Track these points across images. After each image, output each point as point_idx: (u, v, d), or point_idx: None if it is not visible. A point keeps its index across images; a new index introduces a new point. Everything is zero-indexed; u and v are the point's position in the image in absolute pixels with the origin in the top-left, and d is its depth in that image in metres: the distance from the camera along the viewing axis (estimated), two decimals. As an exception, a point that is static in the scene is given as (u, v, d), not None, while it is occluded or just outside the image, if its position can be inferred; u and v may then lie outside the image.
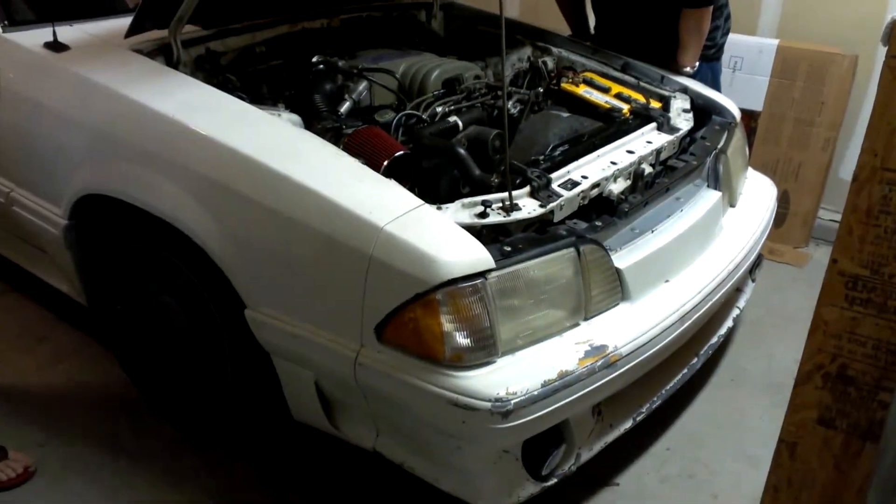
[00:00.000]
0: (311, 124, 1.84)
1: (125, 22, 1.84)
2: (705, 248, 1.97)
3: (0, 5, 2.03)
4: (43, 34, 1.93)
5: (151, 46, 1.91)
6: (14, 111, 1.96)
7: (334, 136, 1.78)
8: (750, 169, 2.47)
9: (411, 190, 1.60)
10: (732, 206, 2.23)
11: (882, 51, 1.02)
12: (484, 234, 1.57)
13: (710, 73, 2.65)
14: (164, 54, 1.91)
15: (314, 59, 2.09)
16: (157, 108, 1.68)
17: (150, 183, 1.68)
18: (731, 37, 2.75)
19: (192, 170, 1.63)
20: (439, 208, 1.56)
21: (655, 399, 1.85)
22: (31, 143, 1.95)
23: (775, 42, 3.03)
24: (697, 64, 2.53)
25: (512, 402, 1.39)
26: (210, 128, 1.63)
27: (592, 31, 2.82)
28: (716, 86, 2.62)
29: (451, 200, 1.60)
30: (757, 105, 3.07)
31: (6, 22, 2.02)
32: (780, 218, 3.06)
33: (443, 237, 1.46)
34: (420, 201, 1.52)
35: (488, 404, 1.38)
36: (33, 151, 1.95)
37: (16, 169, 2.03)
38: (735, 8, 2.71)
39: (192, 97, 1.74)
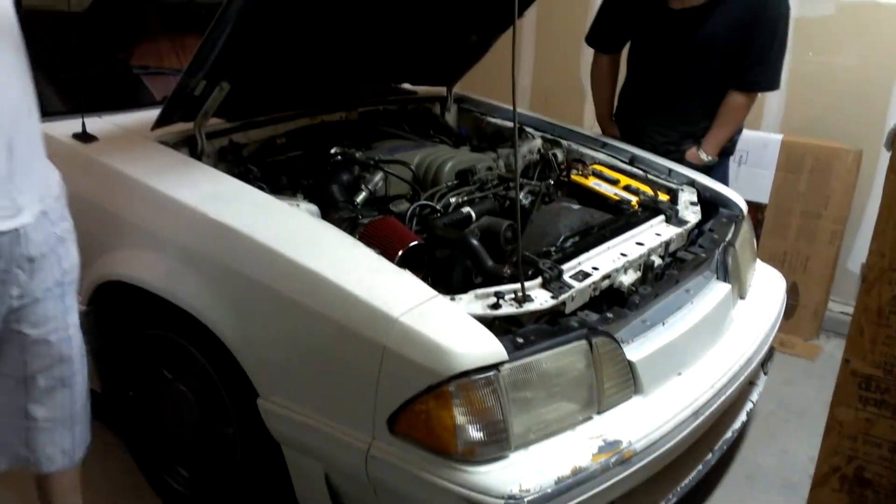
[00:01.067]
0: (328, 214, 1.88)
1: (152, 114, 1.92)
2: (717, 341, 1.97)
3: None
4: (72, 125, 2.01)
5: (177, 138, 1.98)
6: (40, 198, 2.01)
7: (350, 225, 1.82)
8: (758, 261, 2.50)
9: (425, 279, 1.62)
10: (742, 298, 2.24)
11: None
12: (496, 324, 1.58)
13: (724, 167, 2.71)
14: (188, 146, 1.98)
15: (332, 151, 2.16)
16: (180, 198, 1.73)
17: (170, 271, 1.71)
18: (736, 131, 2.82)
19: (210, 259, 1.67)
20: (453, 299, 1.58)
21: (671, 497, 1.81)
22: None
23: (779, 137, 3.10)
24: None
25: (525, 499, 1.37)
26: (230, 217, 1.68)
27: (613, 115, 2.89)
28: (725, 180, 2.67)
29: (465, 290, 1.62)
30: (763, 198, 3.13)
31: (37, 113, 2.10)
32: (790, 310, 3.07)
33: (456, 329, 1.47)
34: (434, 292, 1.54)
35: (501, 501, 1.36)
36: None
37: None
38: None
39: (214, 188, 1.79)
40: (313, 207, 1.89)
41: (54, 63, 2.28)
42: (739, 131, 2.73)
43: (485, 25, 2.54)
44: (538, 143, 2.65)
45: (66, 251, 1.52)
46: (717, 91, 2.55)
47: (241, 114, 2.14)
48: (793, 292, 3.07)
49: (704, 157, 2.57)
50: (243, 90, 1.98)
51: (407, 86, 2.84)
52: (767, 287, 2.37)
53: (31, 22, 1.87)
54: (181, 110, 1.91)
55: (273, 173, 2.08)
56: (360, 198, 2.03)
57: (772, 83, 2.53)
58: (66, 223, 1.53)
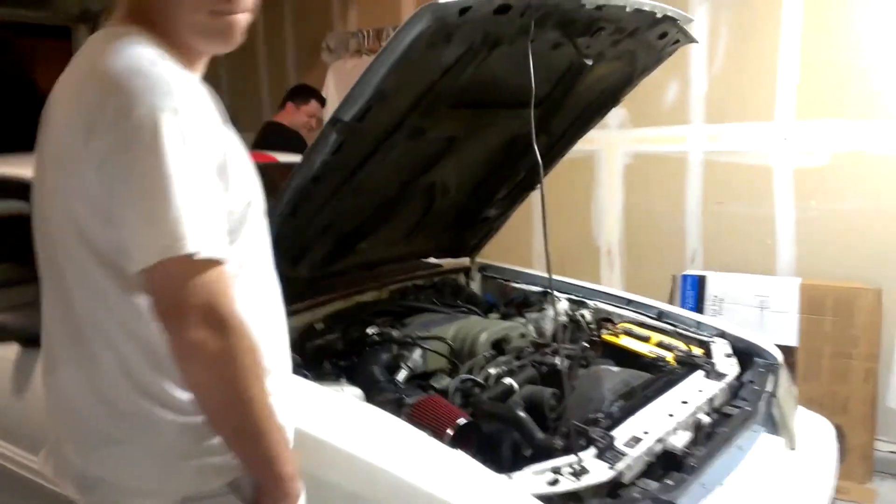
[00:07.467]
0: (371, 395, 1.89)
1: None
2: (777, 499, 1.92)
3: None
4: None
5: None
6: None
7: (396, 406, 1.82)
8: (800, 407, 2.46)
9: (474, 457, 1.60)
10: (792, 449, 2.20)
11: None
12: (555, 501, 1.55)
13: None
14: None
15: (369, 331, 2.20)
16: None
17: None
18: (754, 277, 2.89)
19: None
20: (510, 478, 1.56)
21: None
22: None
23: (797, 280, 3.17)
24: None
25: None
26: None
27: None
28: None
29: (515, 465, 1.61)
30: (792, 340, 3.14)
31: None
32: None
33: (521, 512, 1.44)
34: (494, 474, 1.52)
35: None
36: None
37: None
38: (751, 250, 2.87)
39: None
40: (357, 391, 1.90)
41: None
42: None
43: (502, 200, 2.67)
44: (564, 305, 2.69)
45: None
46: None
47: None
48: (838, 435, 3.00)
49: None
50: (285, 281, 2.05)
51: (432, 260, 2.94)
52: (815, 435, 2.33)
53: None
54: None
55: (314, 359, 2.10)
56: (402, 376, 2.04)
57: None
58: None
